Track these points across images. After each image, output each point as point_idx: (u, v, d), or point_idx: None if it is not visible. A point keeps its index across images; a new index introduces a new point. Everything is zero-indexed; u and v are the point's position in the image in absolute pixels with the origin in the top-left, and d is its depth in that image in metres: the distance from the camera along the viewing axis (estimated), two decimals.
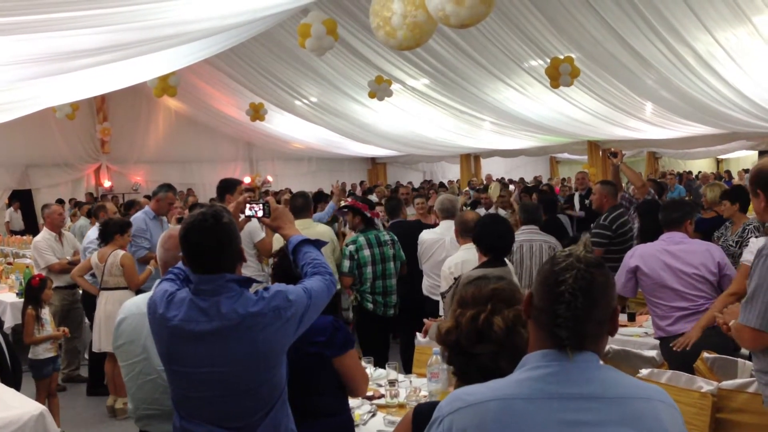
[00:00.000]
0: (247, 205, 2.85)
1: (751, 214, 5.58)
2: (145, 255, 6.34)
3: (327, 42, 8.56)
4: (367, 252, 5.76)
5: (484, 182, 16.89)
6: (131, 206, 9.59)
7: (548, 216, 7.42)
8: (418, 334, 4.64)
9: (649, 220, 5.50)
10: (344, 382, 2.87)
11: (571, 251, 1.53)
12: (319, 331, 2.78)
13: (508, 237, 4.08)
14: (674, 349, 3.99)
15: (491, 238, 3.97)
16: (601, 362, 1.55)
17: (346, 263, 5.69)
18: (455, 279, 4.97)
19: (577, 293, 1.47)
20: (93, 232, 6.83)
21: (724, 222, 5.90)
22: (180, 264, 2.57)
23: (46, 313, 5.66)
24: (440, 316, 4.20)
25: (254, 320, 2.30)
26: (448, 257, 4.91)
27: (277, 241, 5.52)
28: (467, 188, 15.93)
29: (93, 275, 6.31)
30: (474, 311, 1.87)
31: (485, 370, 1.79)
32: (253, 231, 5.93)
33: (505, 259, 4.09)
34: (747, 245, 4.58)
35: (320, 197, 8.89)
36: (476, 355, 1.84)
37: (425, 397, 3.52)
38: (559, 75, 10.21)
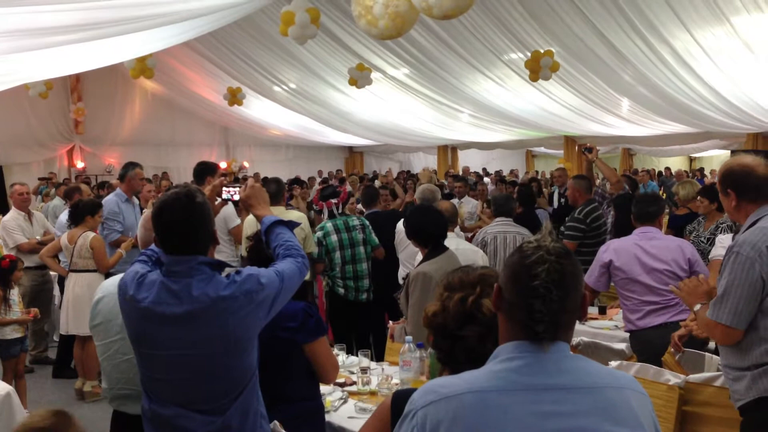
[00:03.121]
0: (224, 189, 2.82)
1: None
2: (117, 239, 6.24)
3: (310, 31, 8.52)
4: (334, 237, 5.76)
5: (461, 173, 16.92)
6: (103, 187, 9.46)
7: (524, 209, 7.47)
8: (390, 322, 4.67)
9: (625, 214, 5.57)
10: (314, 369, 2.87)
11: (539, 243, 1.53)
12: (291, 317, 2.77)
13: (441, 222, 4.06)
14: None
15: (425, 228, 3.97)
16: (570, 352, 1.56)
17: (315, 249, 5.69)
18: (403, 279, 4.98)
19: (551, 287, 1.47)
20: (66, 214, 6.72)
21: (696, 218, 5.98)
22: (153, 246, 2.54)
23: (14, 294, 5.57)
24: (404, 318, 4.20)
25: (225, 303, 2.28)
26: None
27: (250, 226, 5.49)
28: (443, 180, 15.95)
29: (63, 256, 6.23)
30: (462, 294, 1.87)
31: (471, 352, 1.80)
32: (228, 217, 5.88)
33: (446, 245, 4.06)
34: None
35: (297, 183, 8.85)
36: (463, 337, 1.84)
37: (397, 384, 3.54)
38: (539, 68, 10.25)
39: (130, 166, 6.57)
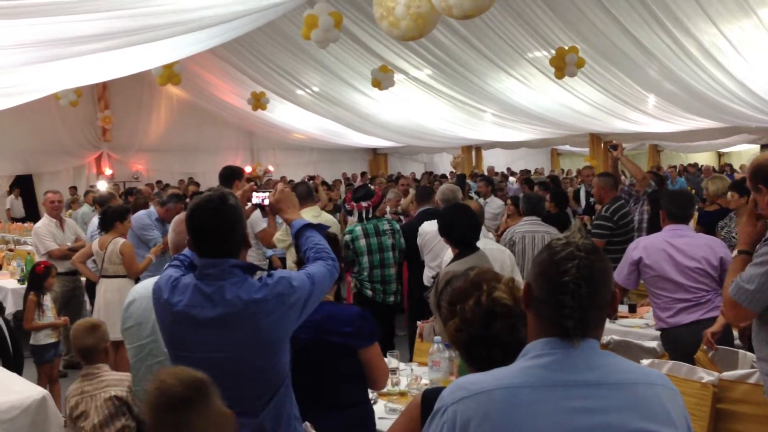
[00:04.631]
0: (254, 194, 2.85)
1: None
2: (162, 241, 6.32)
3: (333, 35, 8.56)
4: (363, 242, 5.76)
5: (486, 173, 16.86)
6: (130, 193, 9.59)
7: (560, 210, 7.50)
8: (418, 323, 4.67)
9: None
10: (367, 374, 2.84)
11: (568, 239, 1.53)
12: (347, 322, 2.76)
13: (476, 225, 4.04)
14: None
15: (459, 228, 3.96)
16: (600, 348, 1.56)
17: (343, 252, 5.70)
18: (433, 278, 4.97)
19: (580, 282, 1.47)
20: (96, 220, 6.84)
21: (727, 214, 5.91)
22: (186, 251, 2.57)
23: (47, 299, 5.66)
24: (432, 317, 4.20)
25: (258, 306, 2.30)
26: (448, 248, 4.91)
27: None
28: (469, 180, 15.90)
29: (94, 262, 6.32)
30: (474, 298, 1.88)
31: (508, 347, 1.79)
32: (254, 221, 5.91)
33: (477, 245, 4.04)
34: None
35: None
36: (495, 337, 1.84)
37: (426, 385, 3.53)
38: (564, 65, 10.18)
39: (175, 198, 6.85)
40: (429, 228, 5.96)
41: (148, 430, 1.86)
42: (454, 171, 9.91)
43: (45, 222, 7.15)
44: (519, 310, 1.82)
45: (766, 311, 2.74)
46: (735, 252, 2.96)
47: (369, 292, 5.84)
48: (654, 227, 5.34)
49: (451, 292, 1.96)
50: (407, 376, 3.77)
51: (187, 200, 7.56)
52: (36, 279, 5.65)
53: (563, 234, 1.57)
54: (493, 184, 11.23)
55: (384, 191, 7.57)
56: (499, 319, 1.84)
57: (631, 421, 1.45)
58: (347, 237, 5.79)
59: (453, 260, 3.98)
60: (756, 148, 20.03)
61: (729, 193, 5.81)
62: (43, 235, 7.00)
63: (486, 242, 4.96)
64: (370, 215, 5.90)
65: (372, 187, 7.19)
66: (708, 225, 6.27)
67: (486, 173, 16.39)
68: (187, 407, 1.81)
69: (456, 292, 1.94)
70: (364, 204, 5.86)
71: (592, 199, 9.15)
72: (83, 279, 6.95)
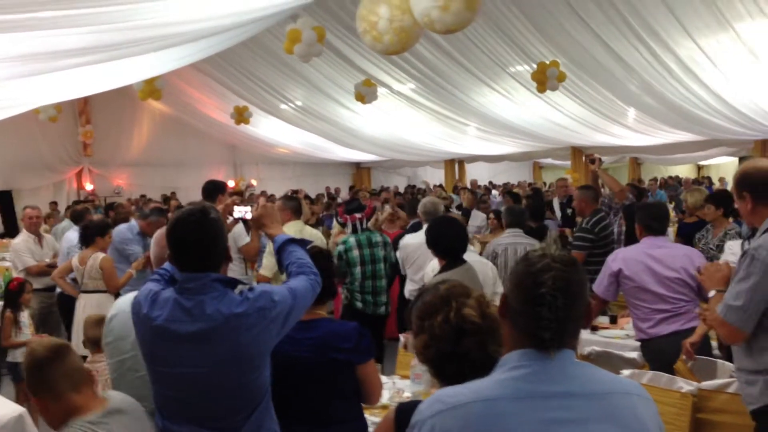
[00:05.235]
0: (236, 208, 2.85)
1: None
2: (143, 256, 6.28)
3: (316, 49, 8.59)
4: (356, 253, 5.80)
5: (468, 187, 16.93)
6: (111, 208, 9.52)
7: (538, 223, 7.54)
8: (401, 336, 4.68)
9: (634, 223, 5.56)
10: (362, 389, 2.82)
11: (544, 251, 1.54)
12: (345, 338, 2.74)
13: (463, 236, 4.08)
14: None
15: (446, 240, 3.98)
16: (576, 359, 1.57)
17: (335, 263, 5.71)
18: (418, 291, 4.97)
19: (557, 294, 1.48)
20: (73, 234, 6.78)
21: (705, 226, 5.97)
22: (166, 265, 2.56)
23: (24, 316, 5.60)
24: None
25: (238, 321, 2.29)
26: (431, 260, 4.92)
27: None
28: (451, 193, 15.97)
29: (74, 279, 6.27)
30: (442, 315, 1.88)
31: (476, 364, 1.80)
32: (237, 236, 5.90)
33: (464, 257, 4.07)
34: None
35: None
36: (464, 354, 1.84)
37: (408, 398, 3.53)
38: (546, 79, 10.27)
39: (158, 212, 6.80)
40: (411, 240, 5.98)
41: (26, 387, 2.48)
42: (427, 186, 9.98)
43: (23, 238, 7.08)
44: (488, 326, 1.83)
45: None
46: (713, 292, 2.98)
47: (359, 304, 5.86)
48: (632, 239, 5.39)
49: (420, 306, 1.96)
50: (389, 389, 3.76)
51: (169, 215, 7.54)
52: (10, 296, 5.58)
53: (539, 245, 1.59)
54: (477, 197, 11.28)
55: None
56: (468, 336, 1.85)
57: (607, 431, 1.46)
58: (340, 247, 5.85)
59: (440, 272, 3.99)
60: (735, 160, 20.29)
61: (706, 206, 5.88)
62: (22, 251, 6.93)
63: (469, 255, 4.98)
64: (364, 226, 5.97)
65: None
66: (687, 236, 6.33)
67: (469, 186, 16.46)
68: (47, 365, 2.34)
69: (425, 306, 1.93)
70: (357, 215, 5.93)
71: (569, 210, 9.22)
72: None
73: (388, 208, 8.50)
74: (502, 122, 14.39)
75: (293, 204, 5.97)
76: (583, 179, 14.77)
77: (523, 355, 1.52)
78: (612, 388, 1.54)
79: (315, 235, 5.86)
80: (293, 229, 5.38)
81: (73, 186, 18.88)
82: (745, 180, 2.89)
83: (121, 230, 6.61)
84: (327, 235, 8.55)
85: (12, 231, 15.18)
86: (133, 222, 6.82)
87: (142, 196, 17.35)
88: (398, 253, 6.07)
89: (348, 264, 5.79)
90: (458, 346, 1.85)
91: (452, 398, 1.50)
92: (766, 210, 2.83)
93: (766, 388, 2.72)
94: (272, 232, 2.73)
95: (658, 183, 18.76)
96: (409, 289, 6.03)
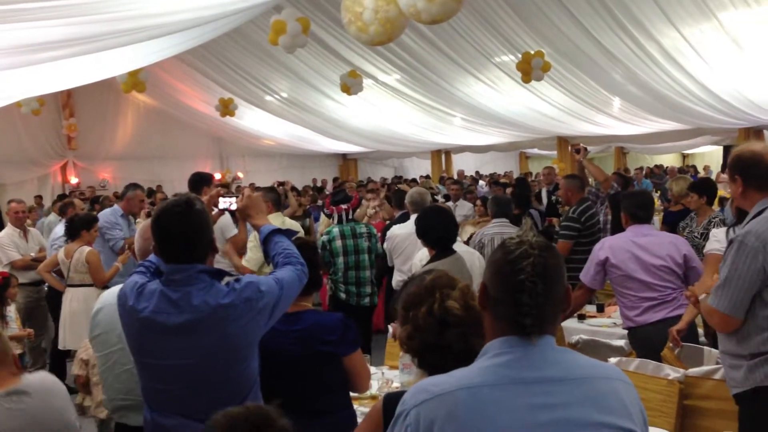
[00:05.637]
0: (221, 198, 2.83)
1: (717, 207, 5.70)
2: (124, 243, 6.28)
3: (301, 40, 8.54)
4: (339, 243, 5.83)
5: (456, 177, 16.94)
6: (96, 201, 9.47)
7: (522, 211, 7.55)
8: (389, 326, 4.68)
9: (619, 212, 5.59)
10: (350, 379, 2.84)
11: (521, 238, 1.56)
12: (330, 330, 2.75)
13: (452, 225, 4.10)
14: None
15: (436, 230, 3.99)
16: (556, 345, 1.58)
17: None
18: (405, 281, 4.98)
19: (536, 280, 1.50)
20: (59, 228, 6.75)
21: (690, 214, 6.02)
22: (152, 257, 2.55)
23: (11, 311, 5.56)
24: None
25: (225, 312, 2.28)
26: (419, 251, 4.92)
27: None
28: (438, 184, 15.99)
29: (59, 272, 6.23)
30: (426, 306, 1.88)
31: (459, 355, 1.80)
32: (225, 227, 5.88)
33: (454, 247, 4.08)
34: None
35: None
36: (447, 346, 1.85)
37: (397, 388, 3.53)
38: (530, 69, 10.28)
39: (132, 187, 6.75)
40: (398, 231, 5.98)
41: None
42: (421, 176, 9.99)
43: (8, 232, 7.04)
44: (472, 319, 1.84)
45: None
46: (703, 295, 3.00)
47: (342, 295, 5.88)
48: (618, 227, 5.43)
49: (405, 296, 1.96)
50: (378, 379, 3.76)
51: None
52: None
53: (516, 233, 1.60)
54: (463, 188, 11.28)
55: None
56: (451, 328, 1.85)
57: (590, 415, 1.48)
58: (324, 238, 5.90)
59: (429, 261, 3.99)
60: (719, 149, 20.42)
61: (689, 194, 5.91)
62: (6, 246, 6.89)
63: (456, 245, 4.98)
64: (350, 217, 5.99)
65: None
66: (672, 225, 6.38)
67: (456, 177, 16.47)
68: None
69: (410, 297, 1.94)
70: (343, 206, 5.96)
71: (554, 198, 9.26)
72: (45, 288, 6.85)
73: (373, 205, 8.45)
74: (487, 112, 14.40)
75: (273, 196, 5.99)
76: (569, 169, 14.82)
77: (505, 342, 1.53)
78: (593, 372, 1.55)
79: (295, 227, 5.85)
80: (274, 222, 5.38)
81: (58, 180, 18.72)
82: (737, 163, 2.90)
83: (105, 214, 6.63)
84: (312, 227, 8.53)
85: None
86: (116, 206, 6.80)
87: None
88: (386, 244, 6.07)
89: (331, 254, 5.81)
90: (441, 338, 1.86)
91: (436, 387, 1.51)
92: (756, 194, 2.83)
93: (749, 372, 2.75)
94: (257, 222, 2.72)
95: (644, 172, 18.85)
96: (397, 279, 6.03)
